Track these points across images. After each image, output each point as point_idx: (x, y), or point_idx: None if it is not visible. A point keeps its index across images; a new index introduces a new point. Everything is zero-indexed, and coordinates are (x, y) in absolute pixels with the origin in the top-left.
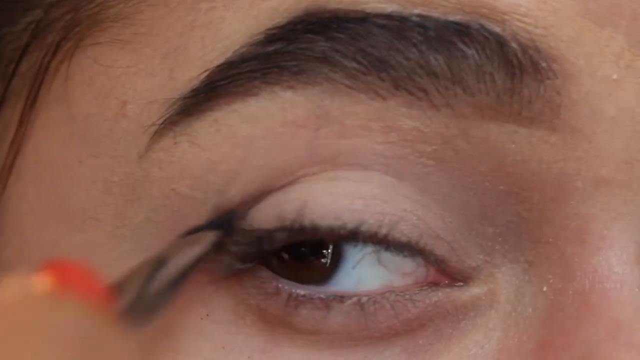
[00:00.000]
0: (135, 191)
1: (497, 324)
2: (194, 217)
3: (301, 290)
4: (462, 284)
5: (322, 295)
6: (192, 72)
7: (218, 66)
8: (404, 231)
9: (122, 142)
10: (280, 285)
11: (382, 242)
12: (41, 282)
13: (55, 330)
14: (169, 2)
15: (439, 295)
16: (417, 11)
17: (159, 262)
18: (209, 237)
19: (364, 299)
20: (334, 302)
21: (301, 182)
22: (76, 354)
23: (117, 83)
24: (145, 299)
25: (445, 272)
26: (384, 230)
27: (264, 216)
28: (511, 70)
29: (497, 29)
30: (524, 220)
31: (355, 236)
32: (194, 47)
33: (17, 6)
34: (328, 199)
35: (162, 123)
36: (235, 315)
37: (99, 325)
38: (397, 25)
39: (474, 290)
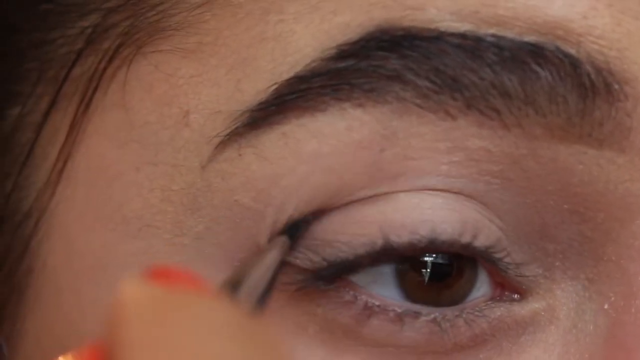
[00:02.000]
0: (196, 201)
1: (557, 339)
2: (255, 229)
3: (377, 300)
4: (519, 296)
5: (397, 309)
6: (260, 84)
7: (288, 80)
8: (482, 239)
9: (184, 151)
10: (357, 294)
11: (460, 250)
12: (157, 285)
13: (218, 324)
14: (236, 13)
15: (502, 310)
16: (491, 31)
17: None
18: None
19: (439, 316)
20: (408, 317)
21: (364, 202)
22: (244, 345)
23: (179, 92)
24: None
25: (505, 285)
26: (466, 238)
27: (332, 237)
28: (584, 92)
29: (571, 50)
30: (587, 239)
31: (433, 247)
32: (263, 59)
33: (72, 9)
34: (396, 215)
35: (227, 134)
36: (297, 325)
37: (243, 315)
38: (471, 45)
39: (534, 305)
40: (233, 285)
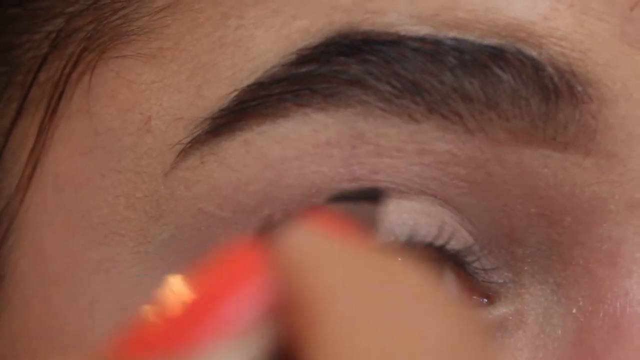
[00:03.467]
0: (159, 208)
1: (525, 344)
2: (223, 236)
3: None
4: (487, 301)
5: None
6: (220, 90)
7: (248, 86)
8: (453, 244)
9: (146, 157)
10: None
11: (435, 253)
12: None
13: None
14: (196, 17)
15: None
16: (452, 34)
17: None
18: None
19: None
20: None
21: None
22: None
23: (141, 97)
24: None
25: (473, 289)
26: (440, 241)
27: None
28: (546, 95)
29: (533, 53)
30: (555, 243)
31: (408, 249)
32: (223, 64)
33: (37, 14)
34: None
35: (189, 142)
36: None
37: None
38: (431, 49)
39: (501, 310)
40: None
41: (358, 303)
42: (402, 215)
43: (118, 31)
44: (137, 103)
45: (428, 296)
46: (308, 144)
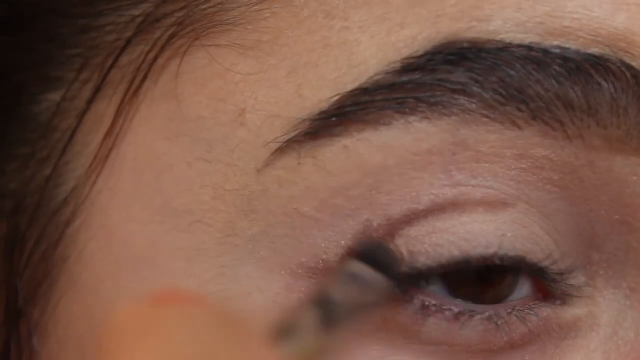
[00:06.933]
0: (250, 204)
1: (598, 346)
2: (318, 237)
3: (433, 300)
4: (560, 302)
5: (454, 308)
6: (322, 93)
7: (351, 91)
8: (539, 256)
9: (238, 151)
10: (413, 293)
11: (521, 266)
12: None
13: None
14: (298, 13)
15: (548, 311)
16: (556, 43)
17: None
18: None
19: (494, 314)
20: (464, 316)
21: (443, 210)
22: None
23: (235, 89)
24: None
25: (547, 293)
26: (529, 255)
27: (412, 247)
28: None
29: (634, 63)
30: (632, 249)
31: (499, 261)
32: (326, 66)
33: None
34: (475, 226)
35: (286, 141)
36: None
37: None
38: (538, 57)
39: (576, 311)
40: None
41: None
42: (500, 226)
43: (212, 20)
44: (231, 94)
45: None
46: (410, 152)
